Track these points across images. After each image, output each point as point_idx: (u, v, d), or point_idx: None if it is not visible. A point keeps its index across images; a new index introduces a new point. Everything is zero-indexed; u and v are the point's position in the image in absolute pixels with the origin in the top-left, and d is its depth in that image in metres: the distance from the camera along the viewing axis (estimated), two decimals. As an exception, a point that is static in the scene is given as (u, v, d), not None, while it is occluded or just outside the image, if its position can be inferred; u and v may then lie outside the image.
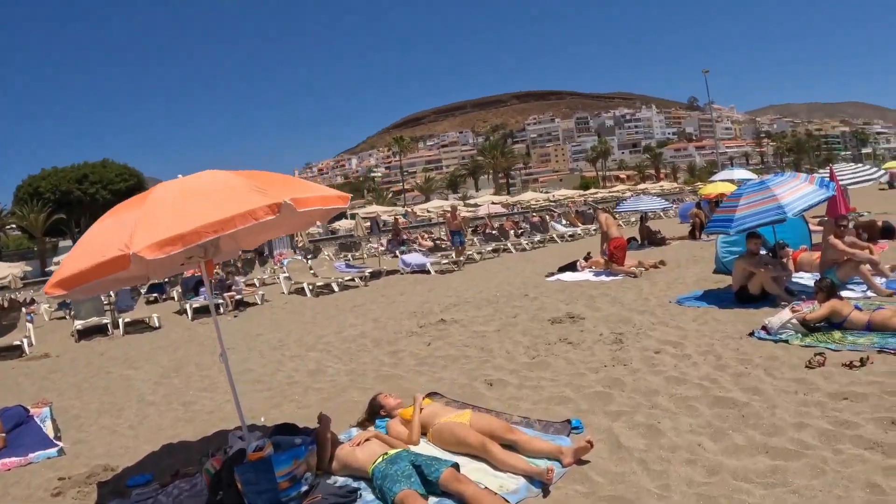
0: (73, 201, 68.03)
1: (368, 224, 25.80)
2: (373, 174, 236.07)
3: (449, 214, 23.26)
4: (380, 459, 4.67)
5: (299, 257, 36.34)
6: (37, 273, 43.45)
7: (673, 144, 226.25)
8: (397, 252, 28.97)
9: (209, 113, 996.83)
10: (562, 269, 15.64)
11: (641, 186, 59.84)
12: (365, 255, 30.93)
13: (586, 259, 15.60)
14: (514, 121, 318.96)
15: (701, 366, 6.76)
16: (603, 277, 13.91)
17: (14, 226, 70.82)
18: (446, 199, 76.65)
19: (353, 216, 34.45)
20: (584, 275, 14.59)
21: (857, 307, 7.68)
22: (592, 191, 57.60)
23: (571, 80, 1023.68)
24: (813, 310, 7.61)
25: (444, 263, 21.35)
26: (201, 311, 16.70)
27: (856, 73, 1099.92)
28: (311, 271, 20.75)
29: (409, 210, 30.16)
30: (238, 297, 17.46)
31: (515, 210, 53.09)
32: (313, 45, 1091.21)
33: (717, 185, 28.79)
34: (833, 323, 7.50)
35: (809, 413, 5.13)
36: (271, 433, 4.97)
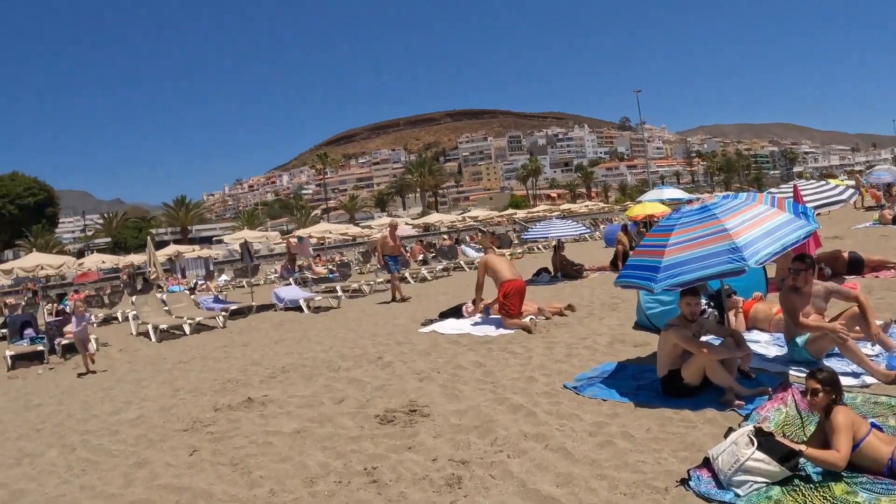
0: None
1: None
2: (303, 192, 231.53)
3: (386, 234, 17.54)
4: None
5: (201, 281, 32.36)
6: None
7: (605, 164, 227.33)
8: (291, 280, 25.31)
9: (132, 127, 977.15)
10: (444, 315, 12.01)
11: (564, 206, 56.62)
12: (262, 282, 30.08)
13: (475, 303, 11.83)
14: (447, 139, 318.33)
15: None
16: (490, 330, 10.20)
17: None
18: (372, 219, 72.75)
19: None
20: (468, 325, 10.90)
21: (874, 426, 4.24)
22: (510, 211, 54.33)
23: (505, 100, 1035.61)
24: (792, 430, 4.25)
25: (319, 300, 17.61)
26: (29, 359, 13.55)
27: (783, 96, 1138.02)
28: (166, 308, 17.44)
29: (306, 235, 26.33)
30: (64, 341, 13.66)
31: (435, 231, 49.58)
32: (246, 58, 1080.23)
33: (646, 206, 26.28)
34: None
35: None
36: None
